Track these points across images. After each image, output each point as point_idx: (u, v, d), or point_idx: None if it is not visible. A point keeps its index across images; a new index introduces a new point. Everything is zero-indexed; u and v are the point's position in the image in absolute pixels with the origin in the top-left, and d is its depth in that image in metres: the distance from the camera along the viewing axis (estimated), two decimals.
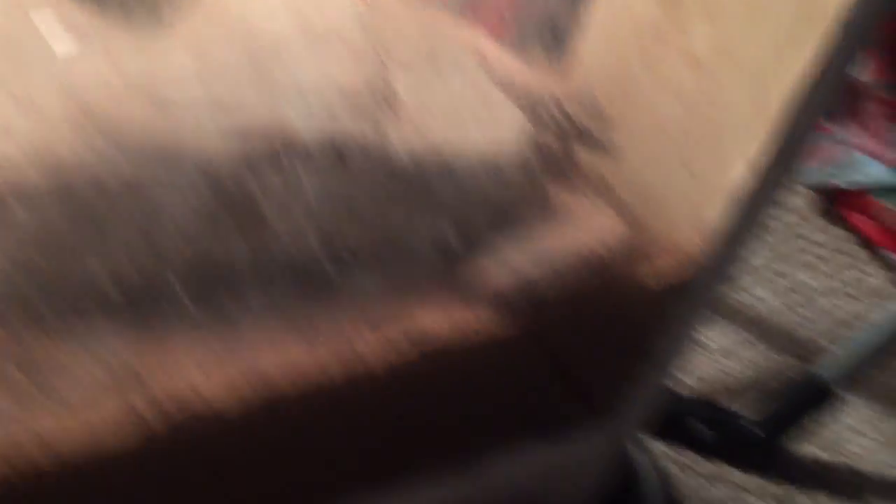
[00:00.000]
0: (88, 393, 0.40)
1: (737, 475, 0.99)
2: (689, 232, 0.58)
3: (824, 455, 1.02)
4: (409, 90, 0.51)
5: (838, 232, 1.37)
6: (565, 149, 0.59)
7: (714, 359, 1.10)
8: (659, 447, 0.97)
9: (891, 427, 1.08)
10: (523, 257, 0.52)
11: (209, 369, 0.42)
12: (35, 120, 0.43)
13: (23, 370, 0.39)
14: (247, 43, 0.49)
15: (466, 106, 0.52)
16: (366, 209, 0.47)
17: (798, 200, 1.39)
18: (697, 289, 0.60)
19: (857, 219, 1.36)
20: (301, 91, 0.46)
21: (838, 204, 1.38)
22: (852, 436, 1.06)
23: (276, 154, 0.45)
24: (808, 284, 1.27)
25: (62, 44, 0.47)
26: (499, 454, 0.62)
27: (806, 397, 0.95)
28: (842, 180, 1.36)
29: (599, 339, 0.61)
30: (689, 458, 0.99)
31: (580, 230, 0.56)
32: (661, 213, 0.60)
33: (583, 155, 0.60)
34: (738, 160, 0.53)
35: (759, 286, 1.23)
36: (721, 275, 0.61)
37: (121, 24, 0.49)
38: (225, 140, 0.44)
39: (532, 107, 0.56)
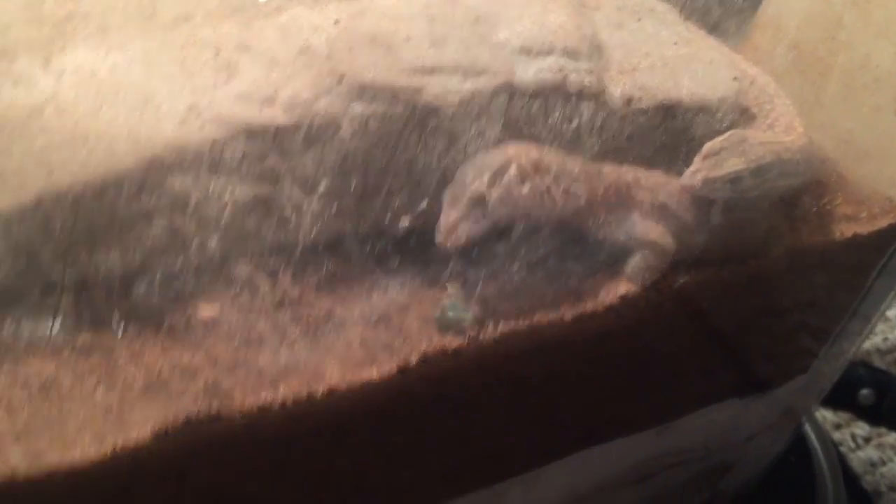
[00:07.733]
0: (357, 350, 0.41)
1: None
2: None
3: None
4: (615, 41, 0.50)
5: None
6: None
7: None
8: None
9: None
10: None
11: None
12: (268, 65, 0.43)
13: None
14: None
15: (678, 57, 0.51)
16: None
17: None
18: None
19: None
20: (523, 42, 0.46)
21: None
22: None
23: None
24: None
25: None
26: (694, 410, 0.61)
27: None
28: None
29: (804, 301, 0.59)
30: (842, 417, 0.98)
31: None
32: (865, 163, 0.57)
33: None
34: None
35: None
36: None
37: None
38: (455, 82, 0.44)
39: None
